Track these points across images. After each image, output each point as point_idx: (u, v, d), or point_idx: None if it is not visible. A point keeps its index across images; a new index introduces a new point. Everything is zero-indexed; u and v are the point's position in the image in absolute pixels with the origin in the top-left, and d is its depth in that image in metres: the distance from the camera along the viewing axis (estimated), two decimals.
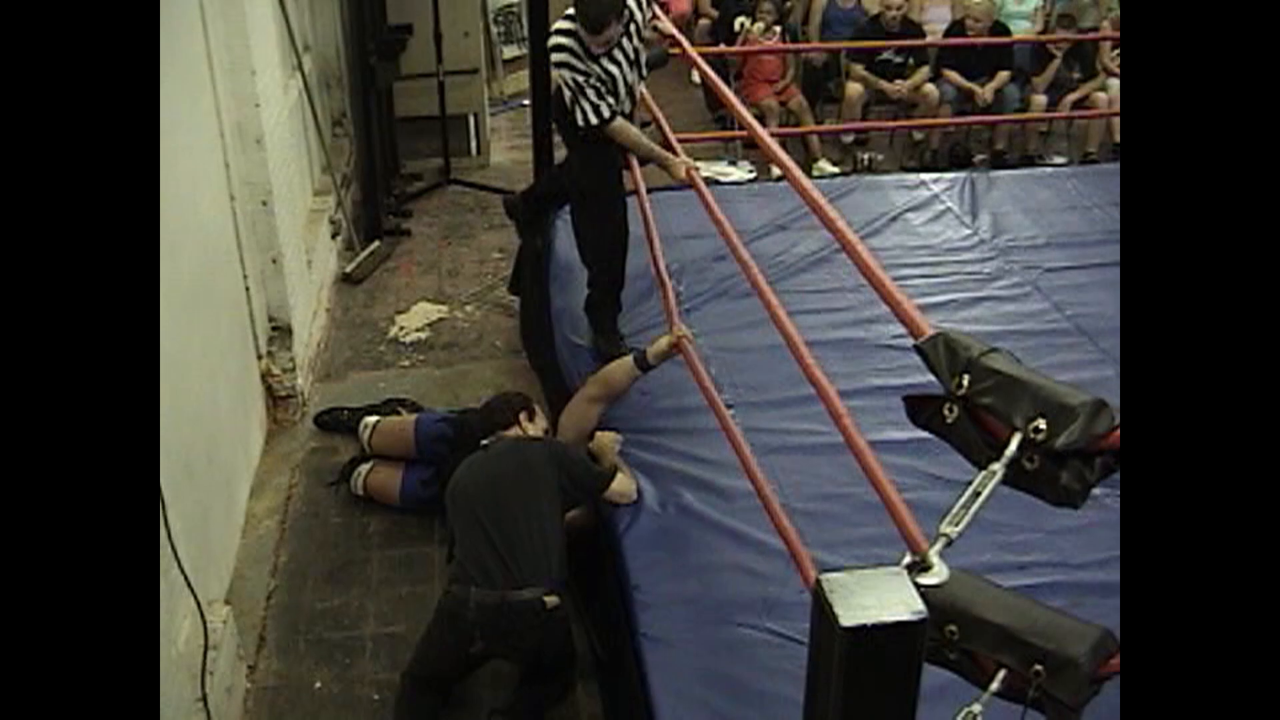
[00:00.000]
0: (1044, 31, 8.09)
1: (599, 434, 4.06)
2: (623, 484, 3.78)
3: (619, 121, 4.24)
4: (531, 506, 3.54)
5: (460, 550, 3.60)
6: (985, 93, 7.75)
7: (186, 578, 3.07)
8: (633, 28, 4.19)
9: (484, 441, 3.83)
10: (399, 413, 4.97)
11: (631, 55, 4.23)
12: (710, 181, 7.05)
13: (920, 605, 1.52)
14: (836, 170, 7.74)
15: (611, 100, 4.20)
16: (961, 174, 6.32)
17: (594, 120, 4.19)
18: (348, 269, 6.30)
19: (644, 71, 4.39)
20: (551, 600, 3.46)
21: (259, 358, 4.87)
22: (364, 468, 4.63)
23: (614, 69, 4.16)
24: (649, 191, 4.65)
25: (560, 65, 4.18)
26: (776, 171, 5.54)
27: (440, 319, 5.96)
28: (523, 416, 3.93)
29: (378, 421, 4.77)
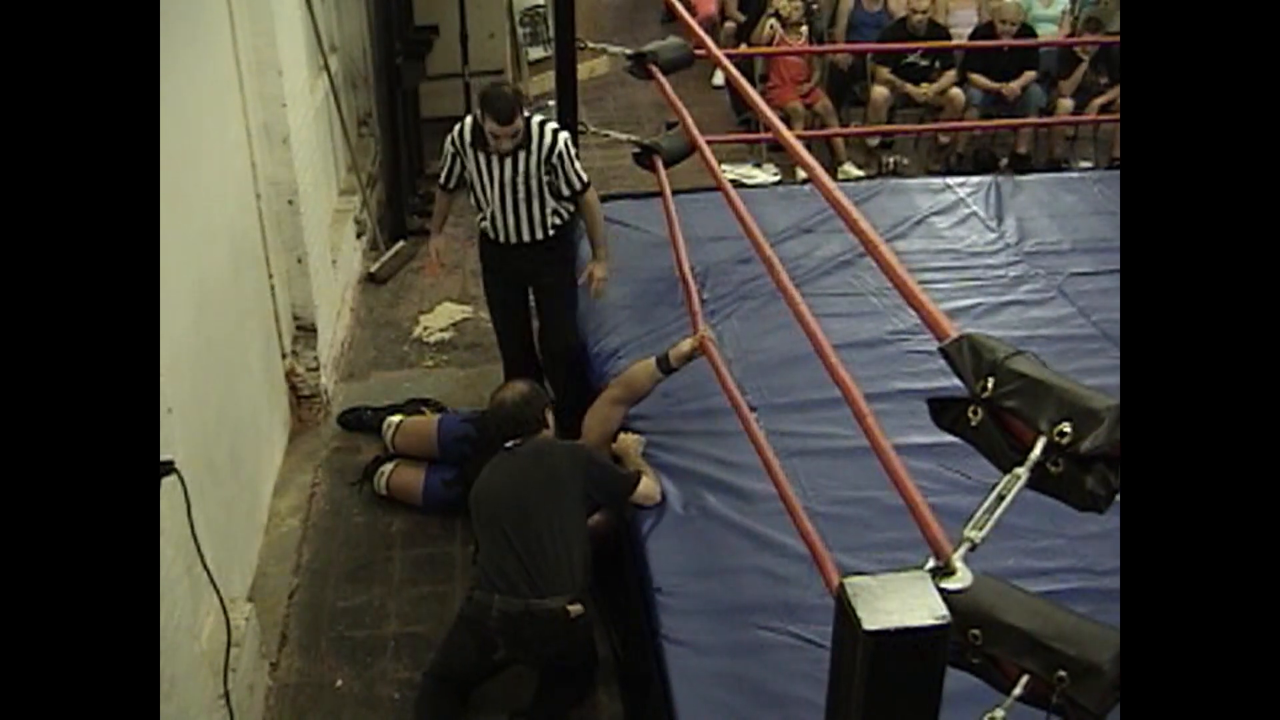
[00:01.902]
0: (1070, 35, 8.03)
1: (622, 435, 4.06)
2: (647, 486, 3.77)
3: (442, 194, 4.76)
4: (555, 513, 3.53)
5: (483, 556, 3.60)
6: (1013, 88, 7.68)
7: (210, 575, 3.08)
8: (535, 156, 4.44)
9: (508, 444, 3.79)
10: (422, 412, 4.97)
11: (520, 166, 4.46)
12: (736, 184, 7.08)
13: (943, 610, 1.51)
14: (861, 173, 7.70)
15: (454, 179, 4.64)
16: (987, 178, 6.28)
17: (440, 180, 4.71)
18: (372, 269, 6.32)
19: (530, 187, 4.51)
20: (575, 608, 3.45)
21: (283, 357, 4.89)
22: (387, 467, 4.63)
23: (484, 163, 4.48)
24: (674, 194, 4.65)
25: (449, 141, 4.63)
26: (802, 174, 5.52)
27: (464, 319, 5.96)
28: (548, 414, 3.91)
29: (401, 421, 4.78)
